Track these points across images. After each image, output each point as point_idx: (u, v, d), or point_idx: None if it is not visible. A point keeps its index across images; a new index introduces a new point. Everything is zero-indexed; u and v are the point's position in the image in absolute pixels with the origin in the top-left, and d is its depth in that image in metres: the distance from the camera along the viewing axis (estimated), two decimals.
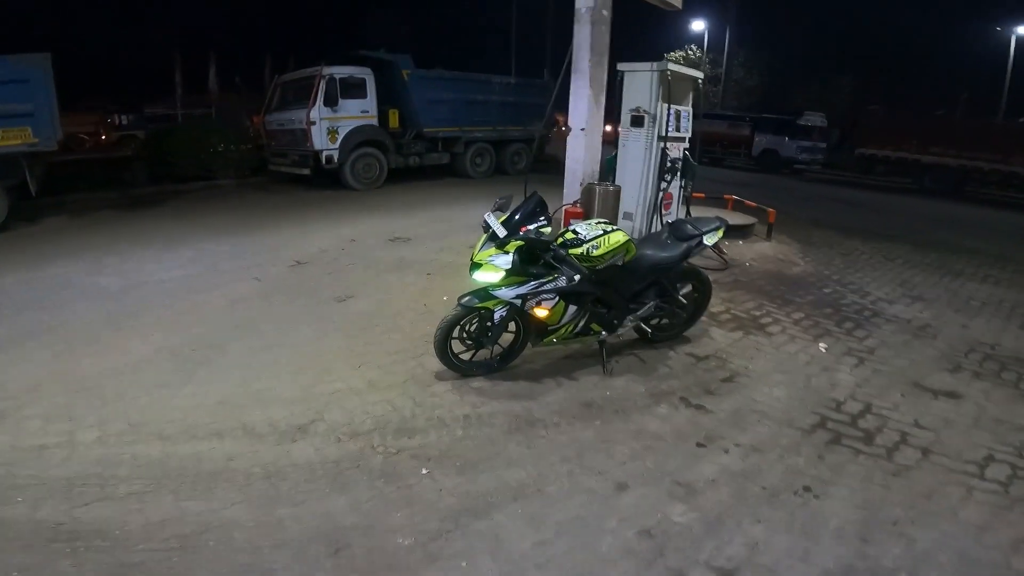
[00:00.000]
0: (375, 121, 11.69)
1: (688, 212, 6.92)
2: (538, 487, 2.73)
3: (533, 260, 3.43)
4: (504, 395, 3.53)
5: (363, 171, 11.60)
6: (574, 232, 3.60)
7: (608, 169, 6.55)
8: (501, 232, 3.34)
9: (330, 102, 10.86)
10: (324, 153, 10.95)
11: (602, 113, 6.28)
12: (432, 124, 12.50)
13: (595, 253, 3.49)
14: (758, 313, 5.12)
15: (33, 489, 2.60)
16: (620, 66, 6.27)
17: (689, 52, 26.82)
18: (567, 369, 3.87)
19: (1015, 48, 22.05)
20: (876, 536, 2.53)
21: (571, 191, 6.25)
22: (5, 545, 2.29)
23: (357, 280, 5.66)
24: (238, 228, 7.95)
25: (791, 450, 3.13)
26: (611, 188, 6.03)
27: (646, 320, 4.09)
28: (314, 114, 10.75)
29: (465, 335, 3.62)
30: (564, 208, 6.01)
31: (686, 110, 6.54)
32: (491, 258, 3.35)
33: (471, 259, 3.48)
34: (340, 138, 11.10)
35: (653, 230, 6.29)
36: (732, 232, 6.65)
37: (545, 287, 3.42)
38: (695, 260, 4.33)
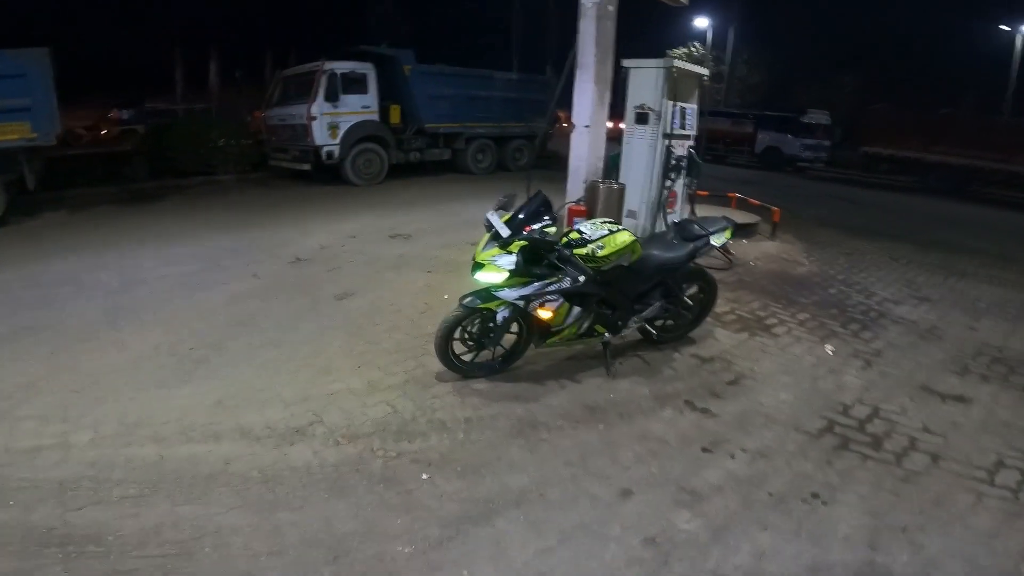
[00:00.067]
0: (376, 116, 11.62)
1: (692, 210, 6.85)
2: (540, 492, 2.68)
3: (537, 260, 3.36)
4: (506, 397, 3.47)
5: (364, 167, 11.54)
6: (579, 232, 3.54)
7: (612, 167, 6.48)
8: (504, 232, 3.28)
9: (331, 97, 10.80)
10: (325, 148, 10.89)
11: (606, 110, 6.21)
12: (433, 120, 12.44)
13: (600, 253, 3.43)
14: (763, 314, 5.07)
15: (26, 492, 2.55)
16: (625, 62, 6.19)
17: (692, 49, 26.65)
18: (570, 371, 3.82)
19: (1021, 47, 21.91)
20: (885, 543, 2.48)
21: (574, 189, 6.18)
22: None
23: (357, 277, 5.60)
24: (238, 224, 7.89)
25: (798, 455, 3.08)
26: (615, 186, 5.96)
27: (651, 321, 4.03)
28: (315, 109, 10.69)
29: (467, 336, 3.56)
30: (567, 206, 5.94)
31: (691, 107, 6.46)
32: (494, 258, 3.29)
33: (473, 259, 3.41)
34: (341, 133, 11.04)
35: (657, 229, 6.23)
36: (736, 231, 6.59)
37: (549, 288, 3.36)
38: (699, 259, 4.27)
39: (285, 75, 12.12)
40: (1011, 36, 22.02)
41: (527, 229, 3.31)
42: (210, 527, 2.37)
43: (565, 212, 5.86)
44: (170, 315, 4.62)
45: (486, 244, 3.39)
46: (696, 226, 4.07)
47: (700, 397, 3.61)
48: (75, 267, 5.83)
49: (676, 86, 6.01)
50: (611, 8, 5.87)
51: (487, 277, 3.32)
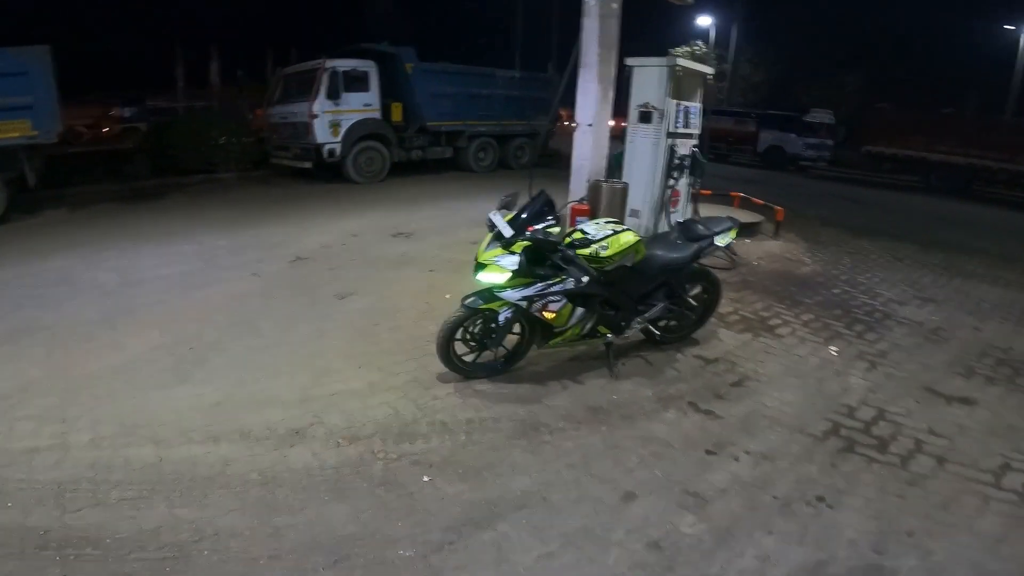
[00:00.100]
0: (378, 114, 11.59)
1: (696, 210, 6.82)
2: (543, 496, 2.65)
3: (540, 261, 3.33)
4: (508, 399, 3.44)
5: (365, 165, 11.52)
6: (583, 232, 3.51)
7: (614, 165, 6.45)
8: (507, 232, 3.25)
9: (333, 95, 10.78)
10: (326, 146, 10.87)
11: (610, 108, 6.17)
12: (435, 118, 12.41)
13: (604, 254, 3.39)
14: (767, 314, 5.03)
15: (24, 494, 2.52)
16: (628, 61, 6.15)
17: (695, 48, 26.56)
18: (572, 372, 3.79)
19: None
20: (891, 548, 2.45)
21: (577, 188, 6.15)
22: None
23: (358, 277, 5.58)
24: (238, 222, 7.86)
25: (803, 458, 3.05)
26: (618, 185, 5.93)
27: (654, 322, 4.00)
28: (316, 107, 10.66)
29: (469, 337, 3.53)
30: (570, 205, 5.91)
31: (695, 106, 6.42)
32: (496, 258, 3.26)
33: (475, 259, 3.38)
34: (342, 131, 11.02)
35: (660, 228, 6.19)
36: (740, 231, 6.56)
37: (552, 289, 3.33)
38: (703, 259, 4.24)
39: (286, 73, 12.08)
40: (1015, 36, 21.91)
41: (530, 229, 3.27)
42: (209, 530, 2.35)
43: (568, 211, 5.83)
44: (169, 315, 4.59)
45: (488, 244, 3.36)
46: (700, 226, 4.04)
47: (704, 399, 3.58)
48: (74, 265, 5.80)
49: (680, 85, 5.98)
50: (615, 6, 5.84)
51: (489, 278, 3.29)
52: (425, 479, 2.71)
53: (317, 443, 2.94)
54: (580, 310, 3.53)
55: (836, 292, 5.84)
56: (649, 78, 6.01)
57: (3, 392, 3.35)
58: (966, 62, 23.57)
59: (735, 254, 6.47)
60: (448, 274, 5.57)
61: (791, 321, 4.93)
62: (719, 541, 2.43)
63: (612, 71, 6.02)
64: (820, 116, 20.31)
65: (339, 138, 10.99)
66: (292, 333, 4.29)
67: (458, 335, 3.48)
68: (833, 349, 4.44)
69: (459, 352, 3.56)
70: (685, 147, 6.34)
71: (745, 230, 7.37)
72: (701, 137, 6.67)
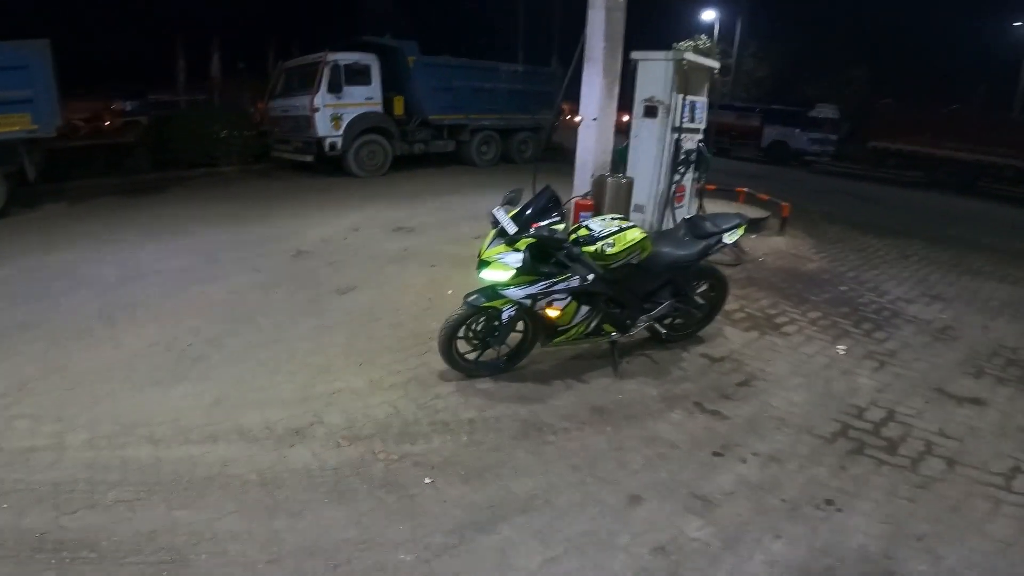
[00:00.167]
0: (380, 108, 11.52)
1: (701, 205, 6.75)
2: (547, 499, 2.60)
3: (544, 258, 3.26)
4: (511, 398, 3.39)
5: (367, 158, 11.45)
6: (588, 228, 3.44)
7: (619, 160, 6.38)
8: (511, 229, 3.19)
9: (334, 88, 10.70)
10: (328, 140, 10.80)
11: (615, 103, 6.09)
12: (437, 111, 12.32)
13: (609, 251, 3.33)
14: (773, 312, 4.97)
15: (19, 495, 2.48)
16: (634, 54, 6.07)
17: (699, 42, 26.37)
18: (576, 370, 3.73)
19: None
20: (901, 553, 2.40)
21: (581, 183, 6.07)
22: None
23: (359, 272, 5.52)
24: (239, 216, 7.82)
25: (812, 460, 2.99)
26: (623, 180, 5.85)
27: (660, 320, 3.94)
28: (318, 100, 10.59)
29: (471, 334, 3.47)
30: (574, 200, 5.84)
31: (701, 100, 6.34)
32: (500, 256, 3.20)
33: (479, 256, 3.32)
34: (344, 125, 10.94)
35: (665, 223, 6.12)
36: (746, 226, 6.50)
37: (557, 287, 3.27)
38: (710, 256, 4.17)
39: (288, 66, 12.00)
40: (1022, 32, 21.70)
41: (534, 226, 3.21)
42: (207, 533, 2.30)
43: (572, 206, 5.77)
44: (168, 310, 4.54)
45: (492, 241, 3.30)
46: (709, 223, 3.97)
47: (710, 399, 3.53)
48: (73, 260, 5.76)
49: (686, 79, 5.89)
50: None
51: (493, 275, 3.23)
52: (426, 481, 2.67)
53: (317, 443, 2.90)
54: (585, 308, 3.48)
55: (843, 289, 5.78)
56: (655, 72, 5.93)
57: (0, 389, 3.31)
58: (973, 58, 23.38)
59: (743, 250, 6.40)
60: (450, 269, 5.52)
61: (798, 319, 4.87)
62: (726, 545, 2.38)
63: (618, 65, 5.94)
64: (825, 111, 20.16)
65: (341, 132, 10.92)
66: (292, 329, 4.24)
67: (461, 333, 3.43)
68: (841, 348, 4.38)
69: (462, 350, 3.51)
70: (691, 142, 6.26)
71: (751, 226, 7.29)
72: (706, 132, 6.59)
